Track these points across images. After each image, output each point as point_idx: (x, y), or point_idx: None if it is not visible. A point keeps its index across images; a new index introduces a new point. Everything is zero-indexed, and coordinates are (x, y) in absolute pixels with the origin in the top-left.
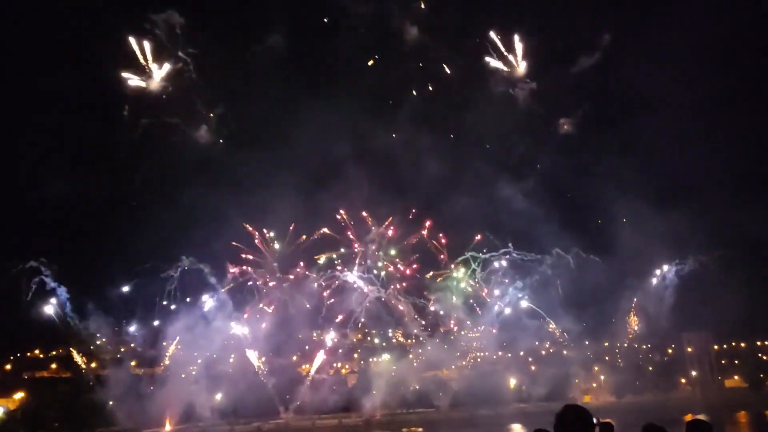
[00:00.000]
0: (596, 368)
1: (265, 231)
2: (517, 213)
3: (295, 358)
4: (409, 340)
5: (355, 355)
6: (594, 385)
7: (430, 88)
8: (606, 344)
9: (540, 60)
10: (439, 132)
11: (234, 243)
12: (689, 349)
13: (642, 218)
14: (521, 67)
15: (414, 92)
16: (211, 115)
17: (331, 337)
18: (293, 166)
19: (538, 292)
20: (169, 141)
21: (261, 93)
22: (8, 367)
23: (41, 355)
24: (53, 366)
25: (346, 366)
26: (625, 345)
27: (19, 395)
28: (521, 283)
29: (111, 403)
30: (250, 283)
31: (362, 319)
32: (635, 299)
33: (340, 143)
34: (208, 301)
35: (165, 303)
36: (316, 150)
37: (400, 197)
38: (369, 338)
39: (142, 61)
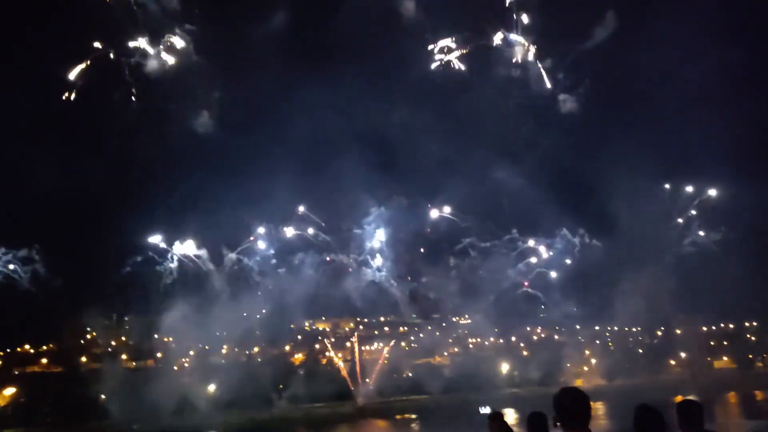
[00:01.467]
0: (587, 352)
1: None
2: (519, 197)
3: (288, 347)
4: (402, 328)
5: (348, 344)
6: (585, 368)
7: (431, 67)
8: (597, 328)
9: (544, 37)
10: (439, 114)
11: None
12: (678, 331)
13: (642, 201)
14: (522, 43)
15: (414, 71)
16: (211, 98)
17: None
18: (294, 150)
19: (537, 277)
20: (167, 125)
21: (261, 76)
22: None
23: (32, 350)
24: (44, 361)
25: (339, 354)
26: (615, 328)
27: (10, 391)
28: (521, 267)
29: (103, 396)
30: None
31: (356, 306)
32: (632, 283)
33: (339, 125)
34: (203, 290)
35: (159, 293)
36: (318, 133)
37: (400, 180)
38: (362, 326)
39: (137, 42)
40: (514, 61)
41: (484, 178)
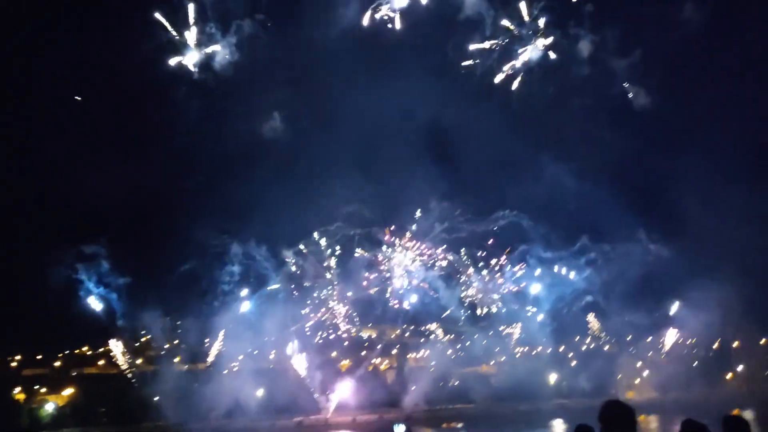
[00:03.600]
0: (640, 363)
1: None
2: (583, 201)
3: (334, 353)
4: (450, 335)
5: (394, 352)
6: (637, 381)
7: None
8: (649, 339)
9: (614, 30)
10: (505, 115)
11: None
12: (736, 343)
13: (712, 206)
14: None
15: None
16: (276, 97)
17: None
18: (353, 150)
19: (593, 286)
20: (232, 124)
21: (330, 79)
22: (57, 363)
23: (89, 352)
24: (101, 362)
25: (386, 361)
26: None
27: (68, 391)
28: (579, 275)
29: (158, 398)
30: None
31: (405, 311)
32: (694, 293)
33: (400, 125)
34: (259, 292)
35: (215, 295)
36: (378, 132)
37: (460, 182)
38: (407, 334)
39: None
40: (584, 56)
41: (548, 183)
